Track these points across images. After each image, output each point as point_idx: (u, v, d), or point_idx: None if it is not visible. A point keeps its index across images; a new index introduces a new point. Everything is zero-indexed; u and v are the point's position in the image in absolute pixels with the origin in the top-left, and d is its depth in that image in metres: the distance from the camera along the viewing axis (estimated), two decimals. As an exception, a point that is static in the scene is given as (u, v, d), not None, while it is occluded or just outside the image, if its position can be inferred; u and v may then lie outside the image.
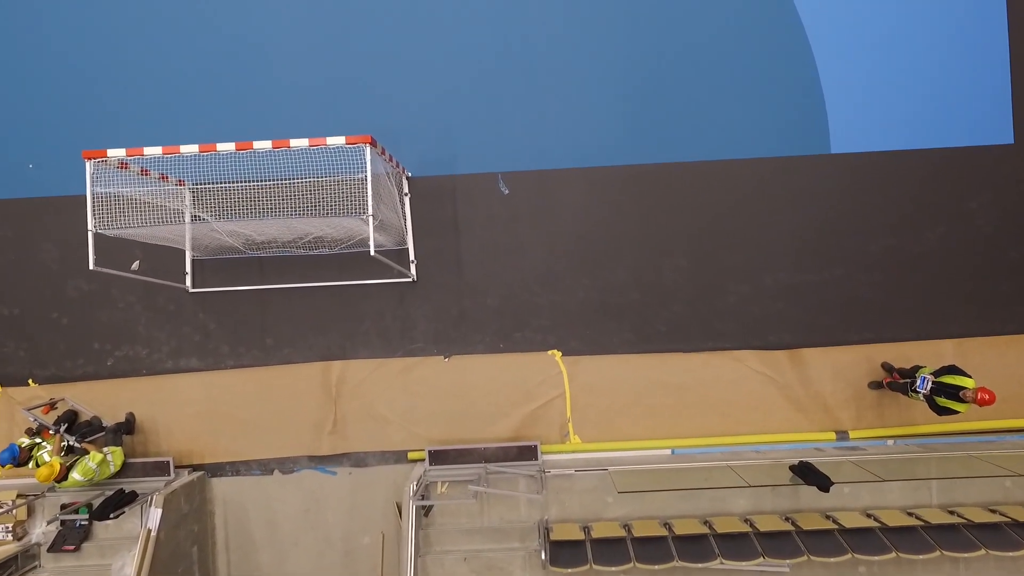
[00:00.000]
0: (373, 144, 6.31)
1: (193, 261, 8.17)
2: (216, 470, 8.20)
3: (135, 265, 8.13)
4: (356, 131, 7.99)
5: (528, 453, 7.68)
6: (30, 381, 8.23)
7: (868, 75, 8.07)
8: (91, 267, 6.33)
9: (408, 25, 8.15)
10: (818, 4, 8.06)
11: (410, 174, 8.14)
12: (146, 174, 7.10)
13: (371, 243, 6.24)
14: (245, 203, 7.15)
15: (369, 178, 6.21)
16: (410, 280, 8.12)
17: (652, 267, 8.16)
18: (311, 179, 6.90)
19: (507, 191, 8.18)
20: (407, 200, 8.09)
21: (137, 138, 8.17)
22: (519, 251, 8.18)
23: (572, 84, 8.13)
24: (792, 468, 7.09)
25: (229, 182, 7.17)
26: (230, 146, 6.25)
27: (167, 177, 7.47)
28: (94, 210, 6.34)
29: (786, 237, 8.13)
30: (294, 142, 6.24)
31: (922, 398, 7.03)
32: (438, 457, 7.70)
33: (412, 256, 8.11)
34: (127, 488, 7.35)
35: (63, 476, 7.05)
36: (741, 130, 8.13)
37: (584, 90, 8.13)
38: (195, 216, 7.52)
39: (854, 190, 8.11)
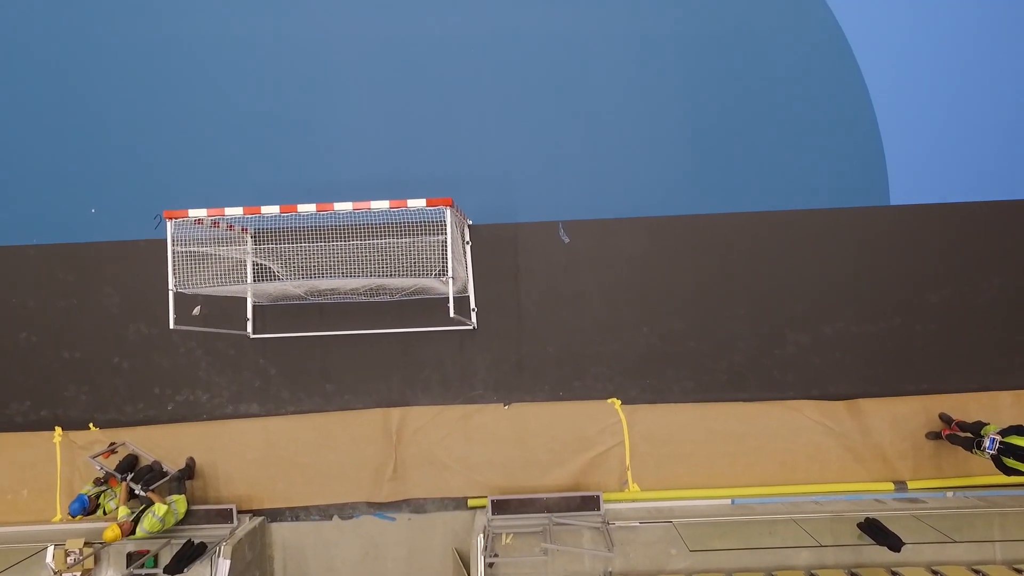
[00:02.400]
0: (452, 206, 6.34)
1: (254, 307, 8.20)
2: (275, 515, 8.22)
3: (196, 310, 8.17)
4: (418, 178, 8.15)
5: (590, 503, 7.70)
6: (91, 425, 8.25)
7: (928, 127, 8.13)
8: (171, 326, 6.37)
9: (470, 74, 8.20)
10: (878, 57, 8.11)
11: (471, 222, 8.17)
12: (216, 227, 7.15)
13: (451, 305, 6.27)
14: (316, 259, 7.18)
15: (450, 240, 6.24)
16: (470, 328, 8.15)
17: (711, 316, 8.20)
18: (385, 239, 6.93)
19: (568, 239, 8.21)
20: (468, 248, 8.13)
21: (197, 179, 8.31)
22: (579, 299, 8.22)
23: (633, 134, 8.18)
24: (860, 525, 7.12)
25: (299, 237, 7.21)
26: (311, 207, 6.29)
27: (233, 227, 7.54)
28: (174, 269, 6.37)
29: (845, 287, 8.17)
30: (375, 204, 6.27)
31: (989, 458, 7.05)
32: (500, 506, 7.72)
33: (473, 304, 8.14)
34: (194, 538, 7.37)
35: (130, 531, 7.10)
36: (800, 181, 8.18)
37: (645, 141, 8.18)
38: (265, 267, 7.55)
39: (913, 241, 8.15)
